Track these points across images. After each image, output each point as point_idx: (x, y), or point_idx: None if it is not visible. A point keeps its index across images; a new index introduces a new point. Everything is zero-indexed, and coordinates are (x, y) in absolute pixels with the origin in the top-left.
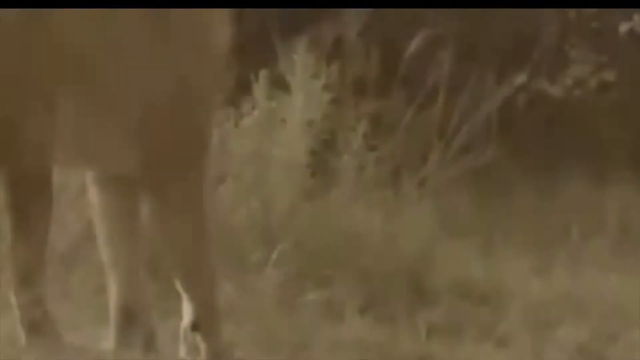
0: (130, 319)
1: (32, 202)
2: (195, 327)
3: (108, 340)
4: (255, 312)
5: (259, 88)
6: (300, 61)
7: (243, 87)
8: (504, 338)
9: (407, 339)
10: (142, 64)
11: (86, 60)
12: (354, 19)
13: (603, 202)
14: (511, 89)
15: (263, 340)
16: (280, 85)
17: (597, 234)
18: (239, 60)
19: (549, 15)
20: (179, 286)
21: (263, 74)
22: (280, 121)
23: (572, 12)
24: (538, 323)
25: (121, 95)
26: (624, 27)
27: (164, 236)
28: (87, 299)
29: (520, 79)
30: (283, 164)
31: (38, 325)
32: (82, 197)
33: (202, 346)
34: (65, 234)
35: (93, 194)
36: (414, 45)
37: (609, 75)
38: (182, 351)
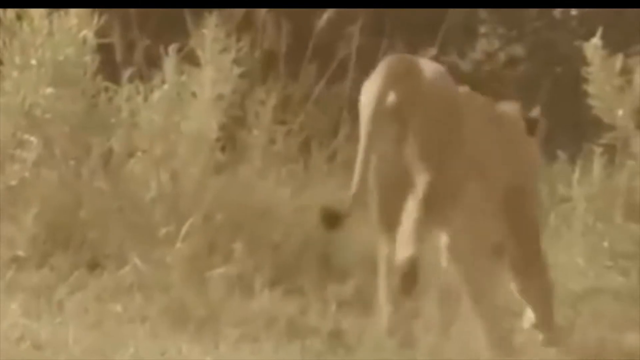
0: None
1: None
2: (536, 326)
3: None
4: (164, 286)
5: (169, 62)
6: (210, 35)
7: (153, 61)
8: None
9: (316, 312)
10: (501, 160)
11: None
12: None
13: None
14: None
15: (172, 314)
16: (190, 59)
17: None
18: (149, 34)
19: None
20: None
21: (173, 48)
22: (190, 95)
23: None
24: (450, 297)
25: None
26: None
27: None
28: None
29: (430, 52)
30: (193, 138)
31: None
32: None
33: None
34: None
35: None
36: (324, 19)
37: (518, 50)
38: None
